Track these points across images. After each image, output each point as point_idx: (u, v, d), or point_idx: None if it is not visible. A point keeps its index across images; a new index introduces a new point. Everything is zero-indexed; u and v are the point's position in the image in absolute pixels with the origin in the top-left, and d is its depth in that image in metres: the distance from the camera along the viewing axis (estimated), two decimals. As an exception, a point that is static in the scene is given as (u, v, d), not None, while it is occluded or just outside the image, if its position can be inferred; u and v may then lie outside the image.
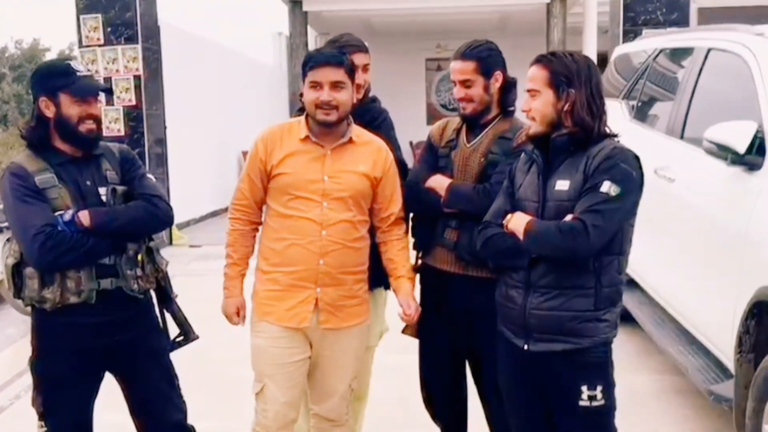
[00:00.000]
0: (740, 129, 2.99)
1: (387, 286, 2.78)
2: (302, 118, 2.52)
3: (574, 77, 2.16)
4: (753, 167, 2.97)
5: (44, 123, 2.32)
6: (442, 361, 2.76)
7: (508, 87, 2.60)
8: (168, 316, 2.57)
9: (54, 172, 2.30)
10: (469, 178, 2.58)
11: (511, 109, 2.64)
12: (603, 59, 7.39)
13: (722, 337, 3.09)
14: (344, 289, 2.49)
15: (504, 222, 2.23)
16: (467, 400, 2.86)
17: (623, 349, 4.37)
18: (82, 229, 2.25)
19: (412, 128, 11.99)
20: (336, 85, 2.39)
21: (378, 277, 2.66)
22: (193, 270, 7.01)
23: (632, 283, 4.38)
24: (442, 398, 2.85)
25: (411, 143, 12.94)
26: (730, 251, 3.02)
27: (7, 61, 26.17)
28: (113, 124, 8.02)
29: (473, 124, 2.62)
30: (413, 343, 2.80)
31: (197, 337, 2.62)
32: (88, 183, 2.35)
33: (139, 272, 2.38)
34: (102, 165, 2.40)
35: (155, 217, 2.40)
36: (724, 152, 3.06)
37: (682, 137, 3.79)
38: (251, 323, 2.55)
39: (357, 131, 2.52)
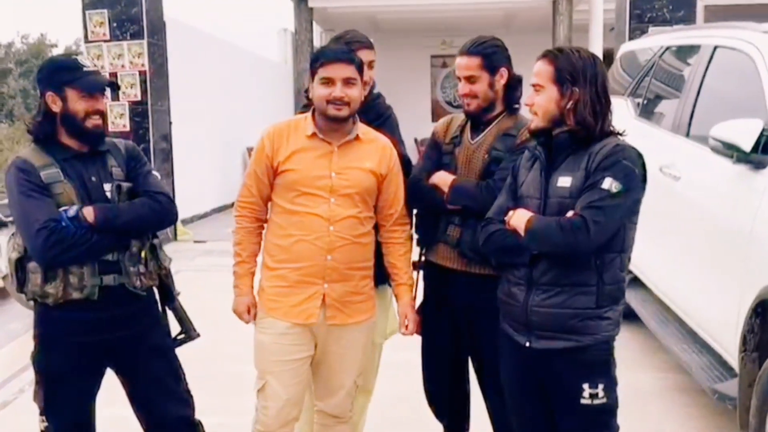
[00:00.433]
0: (746, 127, 2.98)
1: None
2: (308, 114, 2.52)
3: (579, 75, 2.14)
4: (759, 166, 2.96)
5: (50, 118, 2.33)
6: (443, 358, 2.76)
7: (513, 84, 2.60)
8: (170, 313, 2.57)
9: (59, 167, 2.30)
10: (472, 175, 2.58)
11: (516, 106, 2.63)
12: (609, 56, 7.38)
13: (726, 336, 3.08)
14: (351, 285, 2.49)
15: (506, 219, 2.23)
16: (470, 398, 2.86)
17: (627, 347, 4.38)
18: (86, 225, 2.25)
19: (417, 125, 11.99)
20: (348, 82, 2.39)
21: (384, 274, 2.67)
22: (198, 265, 7.03)
23: (636, 281, 4.38)
24: (443, 396, 2.85)
25: (416, 140, 12.94)
26: (734, 249, 3.01)
27: (14, 56, 26.23)
28: (118, 119, 8.04)
29: (477, 120, 2.62)
30: (418, 340, 2.81)
31: (198, 336, 2.62)
32: (93, 179, 2.36)
33: (141, 269, 2.38)
34: (108, 161, 2.40)
35: (159, 214, 2.40)
36: (729, 150, 3.06)
37: (687, 135, 3.78)
38: (256, 319, 2.55)
39: (363, 129, 2.52)
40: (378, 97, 2.89)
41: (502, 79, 2.56)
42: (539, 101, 2.19)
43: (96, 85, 2.36)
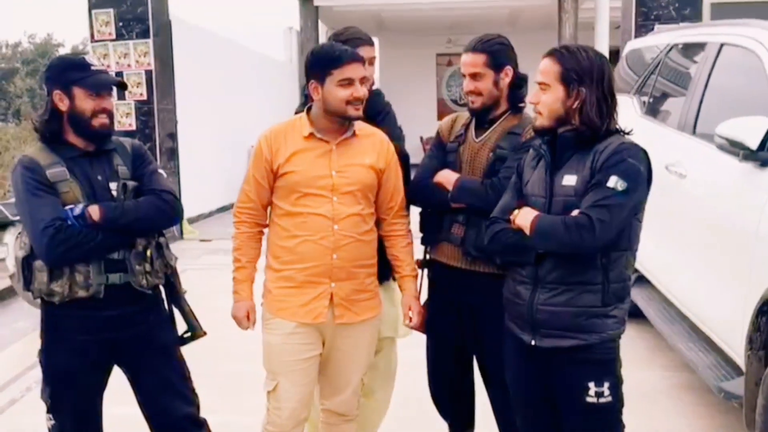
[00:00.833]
0: (753, 125, 2.97)
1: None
2: (303, 115, 2.50)
3: (586, 75, 2.13)
4: (765, 163, 2.94)
5: (57, 117, 2.33)
6: (448, 356, 2.76)
7: (518, 83, 2.59)
8: (176, 311, 2.58)
9: (65, 166, 2.31)
10: (476, 174, 2.57)
11: (521, 105, 2.63)
12: (615, 54, 7.36)
13: (732, 334, 3.07)
14: (357, 283, 2.50)
15: (511, 217, 2.22)
16: (474, 395, 2.86)
17: (633, 345, 4.37)
18: (92, 224, 2.26)
19: (423, 123, 11.99)
20: (363, 81, 2.41)
21: (387, 270, 2.67)
22: (204, 264, 7.04)
23: (642, 280, 4.37)
24: (448, 393, 2.86)
25: (421, 138, 12.92)
26: (741, 248, 3.00)
27: (21, 55, 26.34)
28: (124, 118, 8.06)
29: (482, 119, 2.62)
30: (424, 339, 2.81)
31: (205, 334, 2.62)
32: (99, 178, 2.36)
33: (147, 267, 2.39)
34: (113, 160, 2.41)
35: (164, 213, 2.41)
36: (736, 148, 3.05)
37: (694, 133, 3.77)
38: (263, 320, 2.55)
39: (359, 125, 2.51)
40: (377, 94, 2.89)
41: (506, 77, 2.56)
42: (545, 100, 2.18)
43: (103, 84, 2.36)
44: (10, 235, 2.50)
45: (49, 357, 2.40)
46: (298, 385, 2.49)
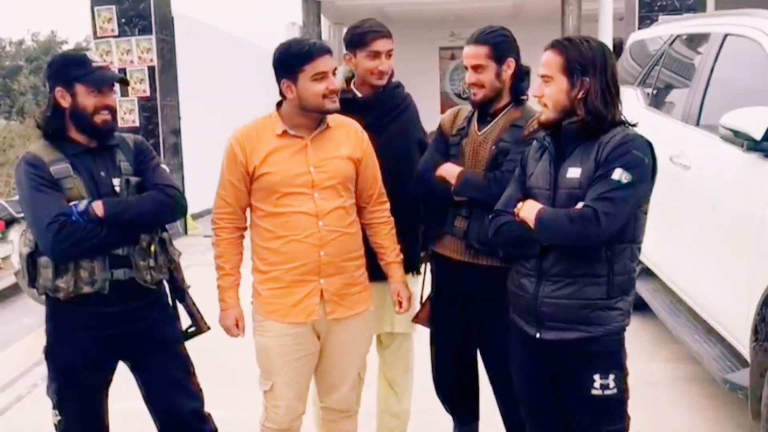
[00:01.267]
0: (757, 115, 2.95)
1: None
2: (273, 112, 2.47)
3: (589, 65, 2.12)
4: (769, 154, 2.94)
5: (60, 113, 2.34)
6: (452, 349, 2.76)
7: (521, 75, 2.58)
8: (180, 307, 2.58)
9: (69, 162, 2.32)
10: (479, 167, 2.57)
11: (524, 97, 2.62)
12: (618, 46, 7.33)
13: (738, 326, 3.07)
14: (347, 277, 2.48)
15: (515, 210, 2.22)
16: (479, 389, 2.87)
17: (638, 337, 4.37)
18: (96, 220, 2.26)
19: (426, 117, 11.91)
20: (335, 72, 2.41)
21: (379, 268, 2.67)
22: (208, 260, 7.00)
23: (647, 272, 4.36)
24: (452, 387, 2.86)
25: (424, 131, 12.90)
26: (745, 239, 2.99)
27: (24, 53, 26.37)
28: (128, 115, 8.07)
29: (484, 111, 2.61)
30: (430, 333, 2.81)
31: (209, 329, 2.63)
32: (102, 174, 2.37)
33: (152, 263, 2.39)
34: (116, 156, 2.41)
35: (168, 207, 2.41)
36: (740, 139, 3.04)
37: (698, 124, 3.76)
38: (254, 322, 2.52)
39: (329, 117, 2.47)
40: (397, 86, 2.88)
41: (509, 69, 2.55)
42: (549, 92, 2.17)
43: (105, 81, 2.37)
44: (15, 233, 2.50)
45: (54, 353, 2.41)
46: (294, 383, 2.49)
